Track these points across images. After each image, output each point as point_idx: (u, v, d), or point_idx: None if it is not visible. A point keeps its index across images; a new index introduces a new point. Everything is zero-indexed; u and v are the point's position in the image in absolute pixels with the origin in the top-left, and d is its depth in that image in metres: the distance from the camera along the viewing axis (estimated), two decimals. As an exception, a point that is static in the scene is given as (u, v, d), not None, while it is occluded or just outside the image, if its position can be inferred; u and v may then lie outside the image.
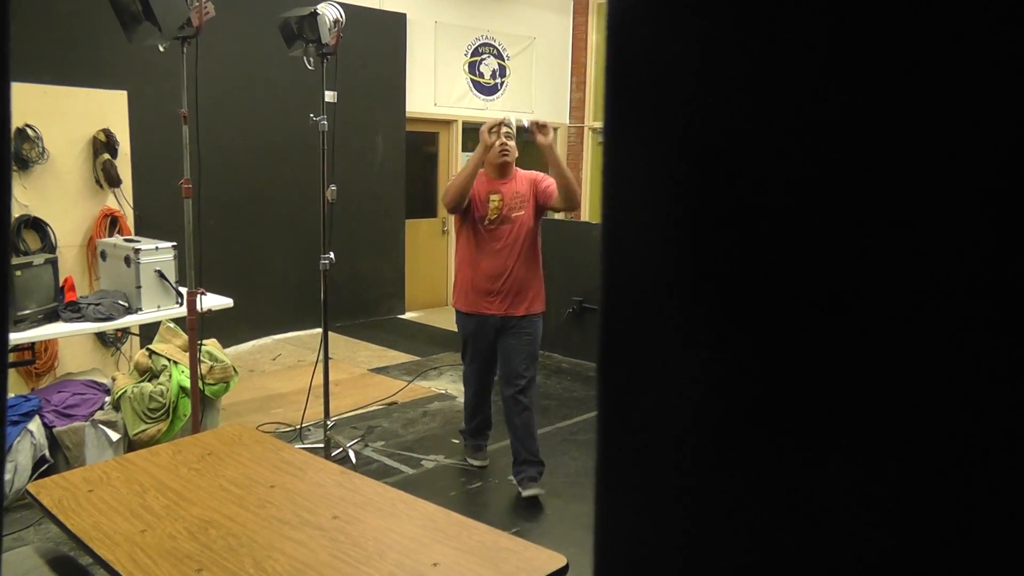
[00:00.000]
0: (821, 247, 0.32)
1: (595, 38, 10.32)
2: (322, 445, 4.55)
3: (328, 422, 4.60)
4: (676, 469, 0.38)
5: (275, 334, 7.56)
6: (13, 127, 4.91)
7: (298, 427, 4.99)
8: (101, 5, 4.09)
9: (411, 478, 4.37)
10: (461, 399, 5.78)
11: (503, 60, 9.75)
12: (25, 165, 5.26)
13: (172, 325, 4.81)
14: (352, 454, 4.41)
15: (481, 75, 9.54)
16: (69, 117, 5.50)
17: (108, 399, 4.65)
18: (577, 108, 10.50)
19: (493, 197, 4.06)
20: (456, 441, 4.95)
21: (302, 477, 2.69)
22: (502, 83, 9.76)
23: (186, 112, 3.92)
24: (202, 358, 4.40)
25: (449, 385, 6.16)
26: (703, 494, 0.37)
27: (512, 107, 9.79)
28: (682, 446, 0.37)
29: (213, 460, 2.83)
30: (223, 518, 2.37)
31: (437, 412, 5.54)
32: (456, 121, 9.35)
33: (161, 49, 3.92)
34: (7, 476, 3.79)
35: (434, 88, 9.06)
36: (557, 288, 7.10)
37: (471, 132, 9.56)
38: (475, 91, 9.50)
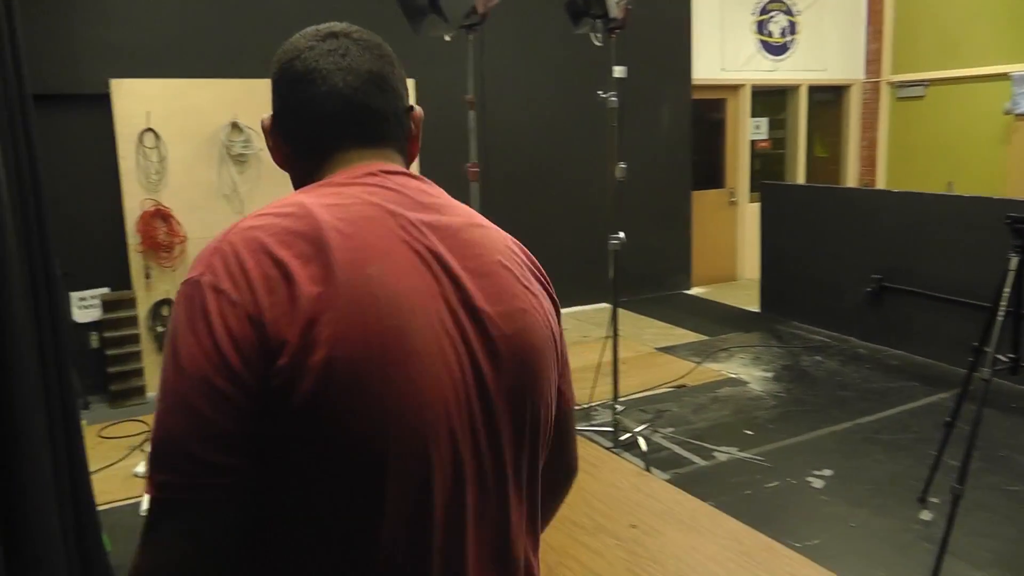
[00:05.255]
0: None
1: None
2: (611, 429, 4.41)
3: (617, 405, 4.44)
4: None
5: (561, 309, 7.53)
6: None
7: (585, 406, 4.90)
8: (387, 2, 4.19)
9: (703, 471, 4.11)
10: (753, 385, 5.42)
11: (792, 16, 9.04)
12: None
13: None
14: (642, 441, 4.22)
15: (770, 34, 8.91)
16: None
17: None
18: (873, 61, 9.47)
19: None
20: (750, 432, 4.60)
21: (596, 475, 2.54)
22: (791, 41, 9.06)
23: (472, 98, 3.90)
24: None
25: (740, 369, 5.79)
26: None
27: (803, 65, 9.10)
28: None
29: (504, 449, 2.76)
30: (515, 515, 2.27)
31: (728, 398, 5.21)
32: (744, 85, 8.83)
33: (447, 39, 3.93)
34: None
35: (721, 52, 8.59)
36: (852, 263, 6.44)
37: (760, 96, 8.98)
38: (764, 52, 8.89)
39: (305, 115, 1.07)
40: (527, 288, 1.04)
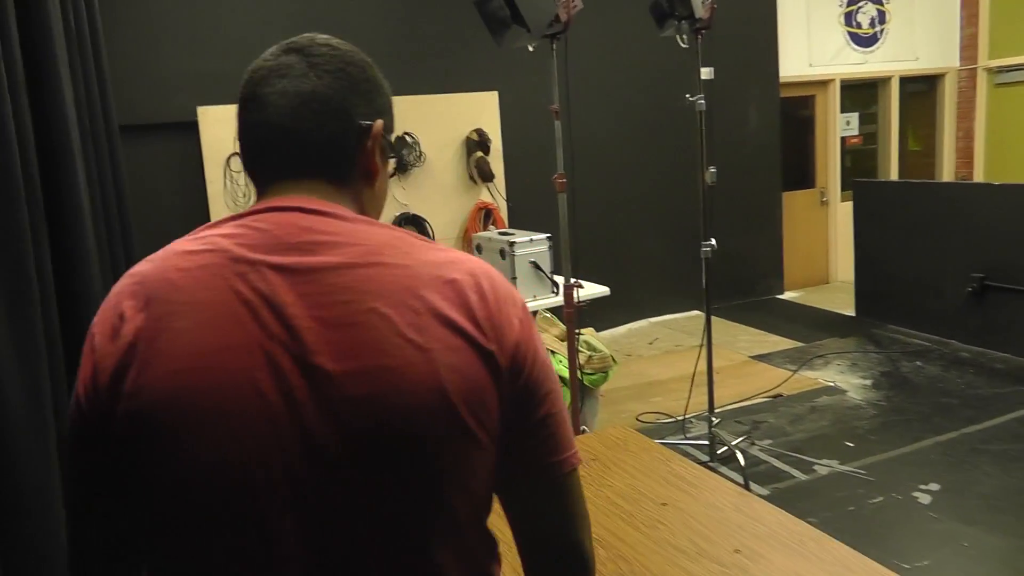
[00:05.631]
0: None
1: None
2: (707, 442, 4.31)
3: (713, 418, 4.32)
4: None
5: (650, 317, 7.49)
6: (393, 136, 5.19)
7: (680, 418, 4.79)
8: (468, 17, 4.19)
9: (803, 485, 3.96)
10: (852, 393, 5.22)
11: (881, 4, 8.72)
12: (403, 169, 5.71)
13: (548, 315, 4.85)
14: (740, 454, 4.10)
15: (858, 25, 8.62)
16: (444, 121, 5.87)
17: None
18: (968, 47, 9.03)
19: None
20: (851, 444, 4.42)
21: (696, 495, 2.44)
22: (881, 31, 8.74)
23: (557, 107, 3.86)
24: (580, 348, 4.35)
25: (837, 377, 5.58)
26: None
27: (893, 56, 8.76)
28: None
29: (598, 467, 2.69)
30: (612, 536, 2.21)
31: (826, 408, 5.02)
32: (833, 80, 8.57)
33: (530, 49, 3.90)
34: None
35: (808, 47, 8.35)
36: (952, 262, 6.14)
37: (849, 90, 8.69)
38: (852, 44, 8.61)
39: (243, 145, 1.02)
40: (409, 341, 0.88)
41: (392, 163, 1.13)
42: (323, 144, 0.99)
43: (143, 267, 0.95)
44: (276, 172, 1.00)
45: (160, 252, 0.96)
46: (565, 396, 4.34)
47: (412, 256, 0.94)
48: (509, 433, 0.96)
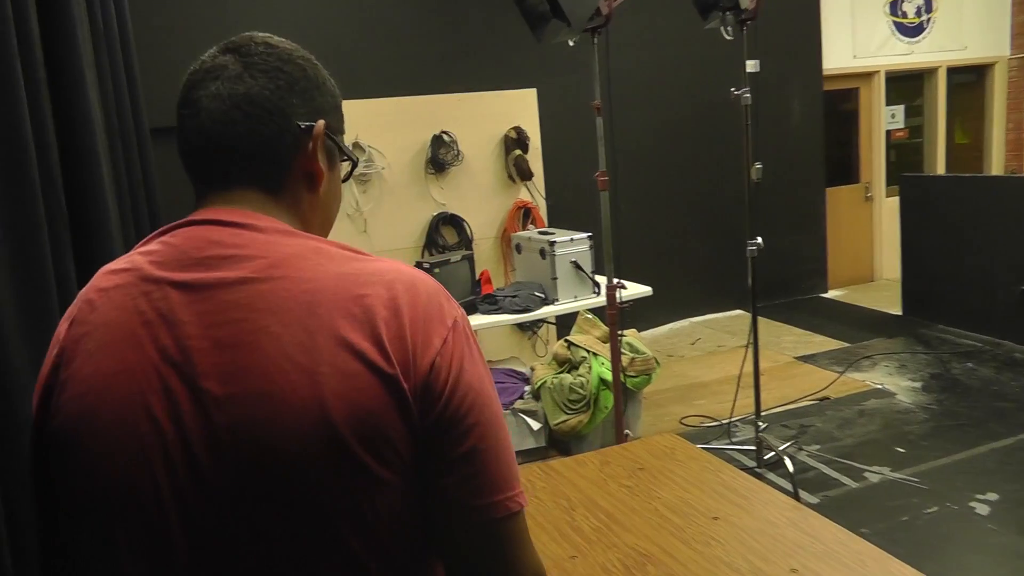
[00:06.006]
0: None
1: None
2: (753, 447, 4.19)
3: (760, 422, 4.21)
4: None
5: (692, 317, 7.39)
6: (431, 135, 5.13)
7: (725, 422, 4.68)
8: (506, 13, 4.12)
9: (854, 494, 3.84)
10: (901, 396, 5.07)
11: (928, -8, 8.52)
12: (441, 168, 5.66)
13: (590, 315, 4.76)
14: (788, 461, 3.98)
15: (904, 14, 8.41)
16: (481, 119, 5.82)
17: (528, 388, 4.73)
18: (1019, 35, 8.77)
19: None
20: (902, 450, 4.28)
21: (749, 509, 2.35)
22: (928, 20, 8.52)
23: (599, 103, 3.77)
24: (622, 349, 4.27)
25: (885, 379, 5.43)
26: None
27: (940, 46, 8.54)
28: None
29: (645, 477, 2.60)
30: (662, 553, 2.12)
31: (875, 411, 4.88)
32: (878, 72, 8.38)
33: (571, 44, 3.83)
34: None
35: (852, 39, 8.16)
36: (1003, 258, 5.94)
37: (895, 82, 8.47)
38: (898, 34, 8.39)
39: (180, 152, 0.98)
40: (296, 364, 0.81)
41: (346, 165, 1.07)
42: (254, 150, 0.94)
43: (92, 281, 0.95)
44: (207, 182, 0.96)
45: (102, 269, 0.95)
46: (607, 399, 4.25)
47: (322, 269, 0.87)
48: (426, 469, 0.87)
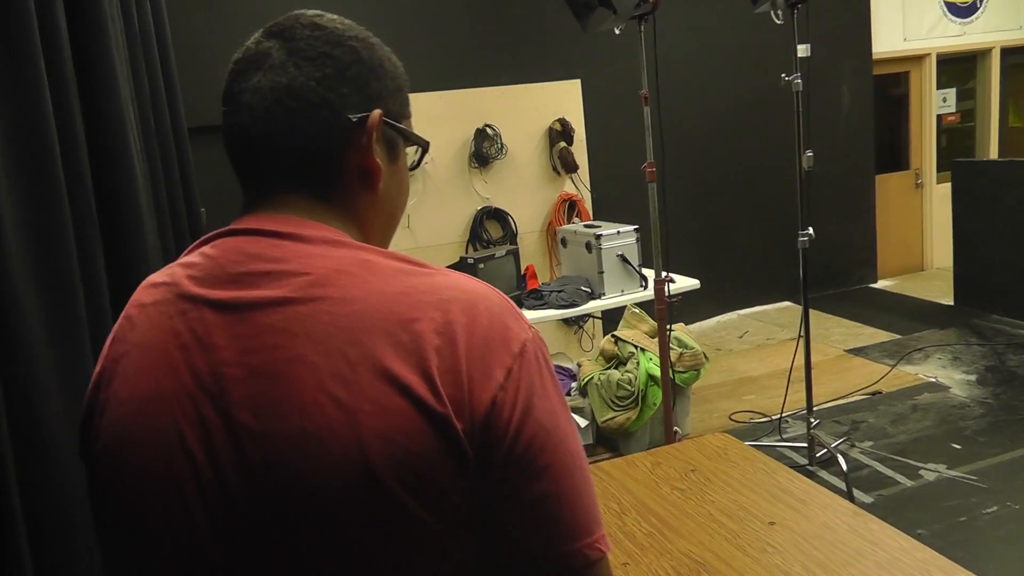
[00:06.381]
0: None
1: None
2: (805, 444, 4.12)
3: (812, 419, 4.13)
4: None
5: (740, 309, 7.30)
6: (474, 129, 5.07)
7: (775, 418, 4.61)
8: (549, 3, 4.08)
9: (909, 493, 3.75)
10: (955, 390, 4.95)
11: (981, -30, 8.28)
12: (485, 162, 5.63)
13: (637, 310, 4.71)
14: (841, 458, 3.90)
15: (956, -6, 8.19)
16: (525, 112, 5.78)
17: (575, 384, 4.70)
18: (1078, 13, 8.51)
19: None
20: (958, 447, 4.18)
21: (806, 514, 2.29)
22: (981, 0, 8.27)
23: (647, 93, 3.71)
24: (671, 344, 4.22)
25: (939, 371, 5.30)
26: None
27: (994, 26, 8.29)
28: None
29: (698, 479, 2.56)
30: (717, 560, 2.08)
31: (929, 406, 4.77)
32: (929, 55, 8.17)
33: (616, 32, 3.77)
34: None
35: (902, 21, 7.96)
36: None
37: (946, 65, 8.25)
38: (949, 15, 8.17)
39: (227, 152, 0.90)
40: (333, 399, 0.73)
41: (411, 153, 0.99)
42: (299, 149, 0.85)
43: (135, 294, 0.91)
44: (252, 185, 0.89)
45: (146, 280, 0.91)
46: (655, 395, 4.20)
47: (368, 287, 0.78)
48: (488, 514, 0.77)
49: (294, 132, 0.84)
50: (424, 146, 0.99)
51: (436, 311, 0.77)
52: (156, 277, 0.88)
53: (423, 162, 1.09)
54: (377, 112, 0.87)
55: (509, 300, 0.83)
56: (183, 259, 0.88)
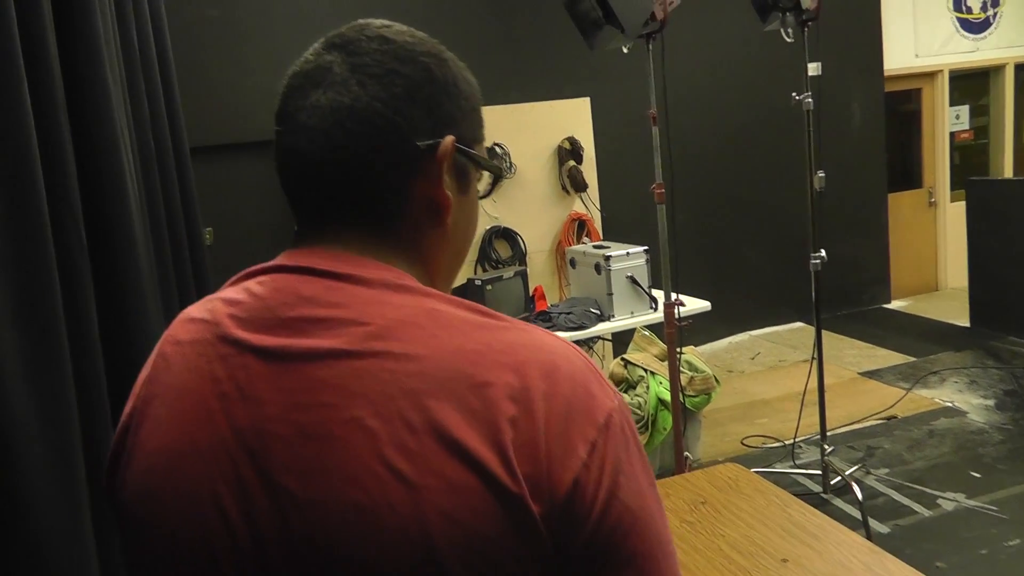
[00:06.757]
0: None
1: None
2: (819, 472, 4.02)
3: (826, 445, 4.02)
4: None
5: (751, 330, 7.21)
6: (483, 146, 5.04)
7: (788, 443, 4.50)
8: (556, 21, 4.04)
9: (927, 523, 3.65)
10: (973, 415, 4.84)
11: (995, -15, 8.23)
12: (494, 180, 5.57)
13: (647, 332, 4.63)
14: (856, 487, 3.80)
15: (968, 10, 8.12)
16: (534, 130, 5.76)
17: (585, 407, 4.61)
18: (1094, 28, 8.44)
19: None
20: (977, 475, 4.07)
21: (820, 551, 2.21)
22: (995, 15, 8.21)
23: (655, 112, 3.65)
24: (681, 368, 4.14)
25: (955, 396, 5.20)
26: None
27: (1008, 41, 8.24)
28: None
29: (708, 512, 2.48)
30: (728, 599, 2.00)
31: (946, 432, 4.66)
32: (941, 71, 8.10)
33: (624, 50, 3.72)
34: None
35: (914, 37, 7.90)
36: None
37: (959, 81, 8.18)
38: (962, 31, 8.10)
39: (279, 176, 0.81)
40: (393, 471, 0.65)
41: (484, 179, 0.89)
42: (361, 178, 0.76)
43: (171, 327, 0.83)
44: (306, 215, 0.80)
45: (183, 312, 0.83)
46: (666, 420, 4.11)
47: (436, 342, 0.69)
48: None
49: (356, 159, 0.76)
50: (498, 172, 0.91)
51: (511, 375, 0.68)
52: (194, 311, 0.80)
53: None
54: (450, 139, 0.78)
55: (592, 363, 0.74)
56: (225, 293, 0.79)
